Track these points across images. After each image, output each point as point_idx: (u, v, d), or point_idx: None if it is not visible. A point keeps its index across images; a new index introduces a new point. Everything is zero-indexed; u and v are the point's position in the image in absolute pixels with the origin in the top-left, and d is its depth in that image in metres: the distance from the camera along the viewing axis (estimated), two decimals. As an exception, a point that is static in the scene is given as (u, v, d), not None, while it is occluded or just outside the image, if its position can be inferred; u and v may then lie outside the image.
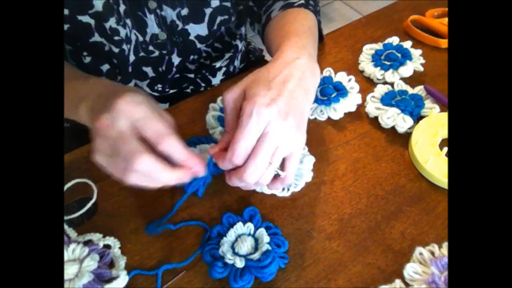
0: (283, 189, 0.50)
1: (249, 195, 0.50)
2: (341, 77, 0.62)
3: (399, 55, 0.65)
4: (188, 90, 0.70)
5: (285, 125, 0.43)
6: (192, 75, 0.69)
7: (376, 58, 0.65)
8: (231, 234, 0.46)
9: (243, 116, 0.43)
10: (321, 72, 0.63)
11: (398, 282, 0.43)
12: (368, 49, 0.67)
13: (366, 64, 0.65)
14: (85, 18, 0.53)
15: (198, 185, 0.50)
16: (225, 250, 0.45)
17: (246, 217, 0.48)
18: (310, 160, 0.53)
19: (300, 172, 0.51)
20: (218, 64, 0.70)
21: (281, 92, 0.45)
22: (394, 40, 0.67)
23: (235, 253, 0.45)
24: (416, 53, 0.65)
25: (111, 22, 0.54)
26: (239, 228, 0.47)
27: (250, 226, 0.47)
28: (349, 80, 0.61)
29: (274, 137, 0.43)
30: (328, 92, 0.59)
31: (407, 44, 0.66)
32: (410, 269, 0.43)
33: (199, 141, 0.55)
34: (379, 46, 0.67)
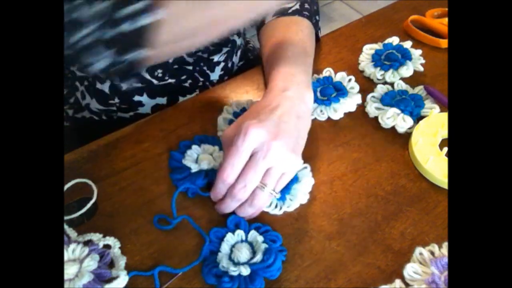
0: (276, 206, 0.49)
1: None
2: (341, 77, 0.62)
3: (399, 55, 0.65)
4: (187, 84, 0.70)
5: (276, 145, 0.45)
6: (190, 67, 0.69)
7: (376, 58, 0.65)
8: (225, 247, 0.45)
9: (232, 133, 0.46)
10: (321, 72, 0.63)
11: (398, 282, 0.43)
12: (368, 49, 0.67)
13: (366, 64, 0.65)
14: None
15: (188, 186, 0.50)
16: (225, 264, 0.44)
17: (231, 226, 0.47)
18: (309, 182, 0.51)
19: (296, 192, 0.50)
20: (216, 58, 0.70)
21: (269, 117, 0.47)
22: (394, 40, 0.67)
23: (236, 263, 0.44)
24: (416, 53, 0.65)
25: None
26: (230, 238, 0.46)
27: (240, 233, 0.46)
28: (349, 80, 0.61)
29: (264, 155, 0.45)
30: (328, 92, 0.59)
31: (407, 44, 0.66)
32: (410, 269, 0.43)
33: (206, 140, 0.55)
34: (379, 46, 0.67)
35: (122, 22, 0.40)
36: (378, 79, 0.63)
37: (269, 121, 0.46)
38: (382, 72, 0.63)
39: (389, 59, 0.64)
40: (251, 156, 0.45)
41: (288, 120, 0.48)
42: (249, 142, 0.45)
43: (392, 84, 0.62)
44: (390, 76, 0.63)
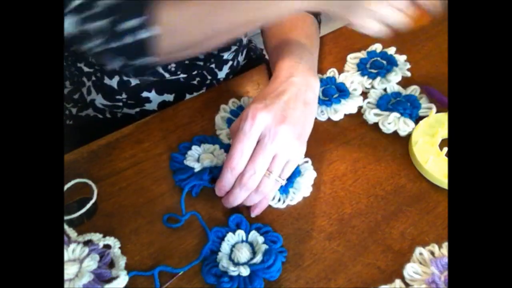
0: (279, 200, 0.50)
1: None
2: (345, 78, 0.62)
3: (384, 62, 0.64)
4: (195, 82, 0.70)
5: (282, 130, 0.45)
6: (201, 63, 0.69)
7: (362, 67, 0.64)
8: (225, 247, 0.45)
9: (240, 121, 0.46)
10: (325, 72, 0.63)
11: (398, 282, 0.43)
12: (352, 58, 0.66)
13: (352, 74, 0.63)
14: None
15: (194, 184, 0.50)
16: (225, 264, 0.44)
17: (233, 226, 0.47)
18: (312, 175, 0.52)
19: (299, 185, 0.50)
20: (225, 56, 0.70)
21: (275, 102, 0.47)
22: (377, 47, 0.66)
23: (236, 264, 0.44)
24: (401, 58, 0.64)
25: None
26: (230, 238, 0.46)
27: (241, 233, 0.46)
28: (352, 82, 0.61)
29: (271, 141, 0.45)
30: (330, 92, 0.59)
31: (391, 50, 0.65)
32: (410, 269, 0.43)
33: (205, 140, 0.55)
34: (363, 54, 0.66)
35: (123, 35, 0.43)
36: (367, 88, 0.62)
37: (275, 105, 0.46)
38: (370, 80, 0.62)
39: (375, 67, 0.63)
40: (257, 143, 0.45)
41: (295, 107, 0.47)
42: (256, 126, 0.44)
43: (384, 88, 0.61)
44: (378, 83, 0.62)
